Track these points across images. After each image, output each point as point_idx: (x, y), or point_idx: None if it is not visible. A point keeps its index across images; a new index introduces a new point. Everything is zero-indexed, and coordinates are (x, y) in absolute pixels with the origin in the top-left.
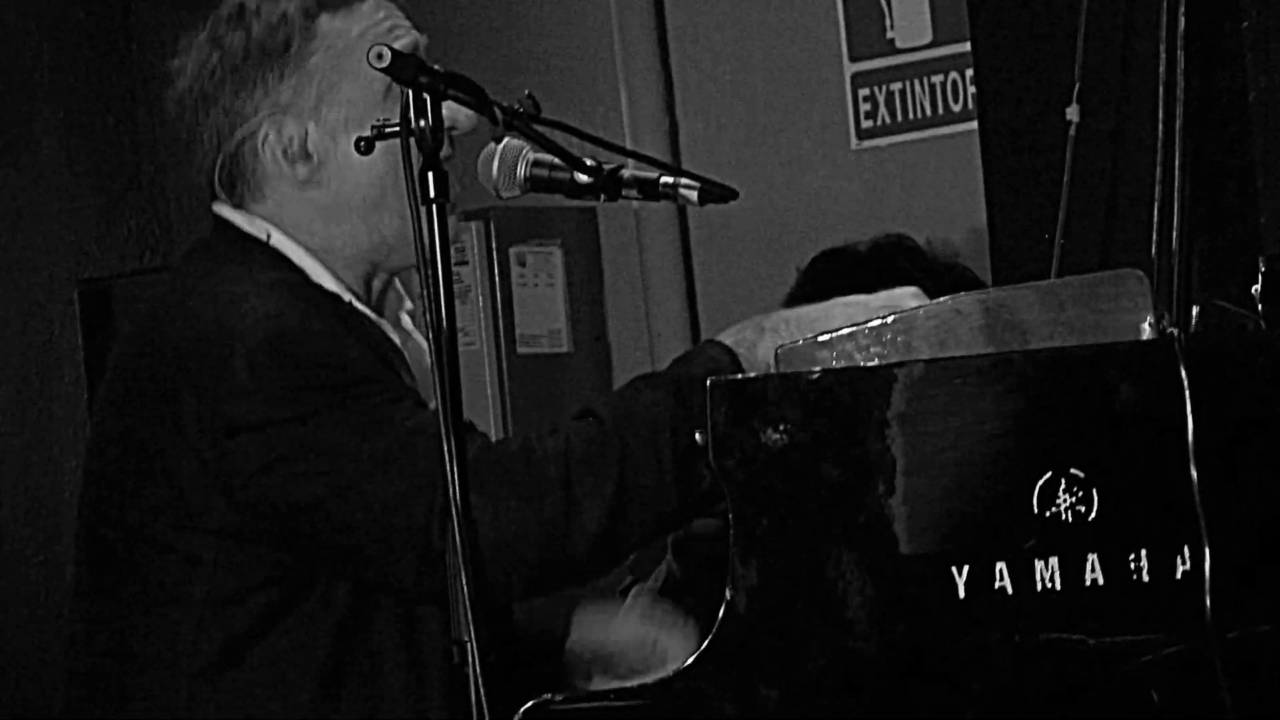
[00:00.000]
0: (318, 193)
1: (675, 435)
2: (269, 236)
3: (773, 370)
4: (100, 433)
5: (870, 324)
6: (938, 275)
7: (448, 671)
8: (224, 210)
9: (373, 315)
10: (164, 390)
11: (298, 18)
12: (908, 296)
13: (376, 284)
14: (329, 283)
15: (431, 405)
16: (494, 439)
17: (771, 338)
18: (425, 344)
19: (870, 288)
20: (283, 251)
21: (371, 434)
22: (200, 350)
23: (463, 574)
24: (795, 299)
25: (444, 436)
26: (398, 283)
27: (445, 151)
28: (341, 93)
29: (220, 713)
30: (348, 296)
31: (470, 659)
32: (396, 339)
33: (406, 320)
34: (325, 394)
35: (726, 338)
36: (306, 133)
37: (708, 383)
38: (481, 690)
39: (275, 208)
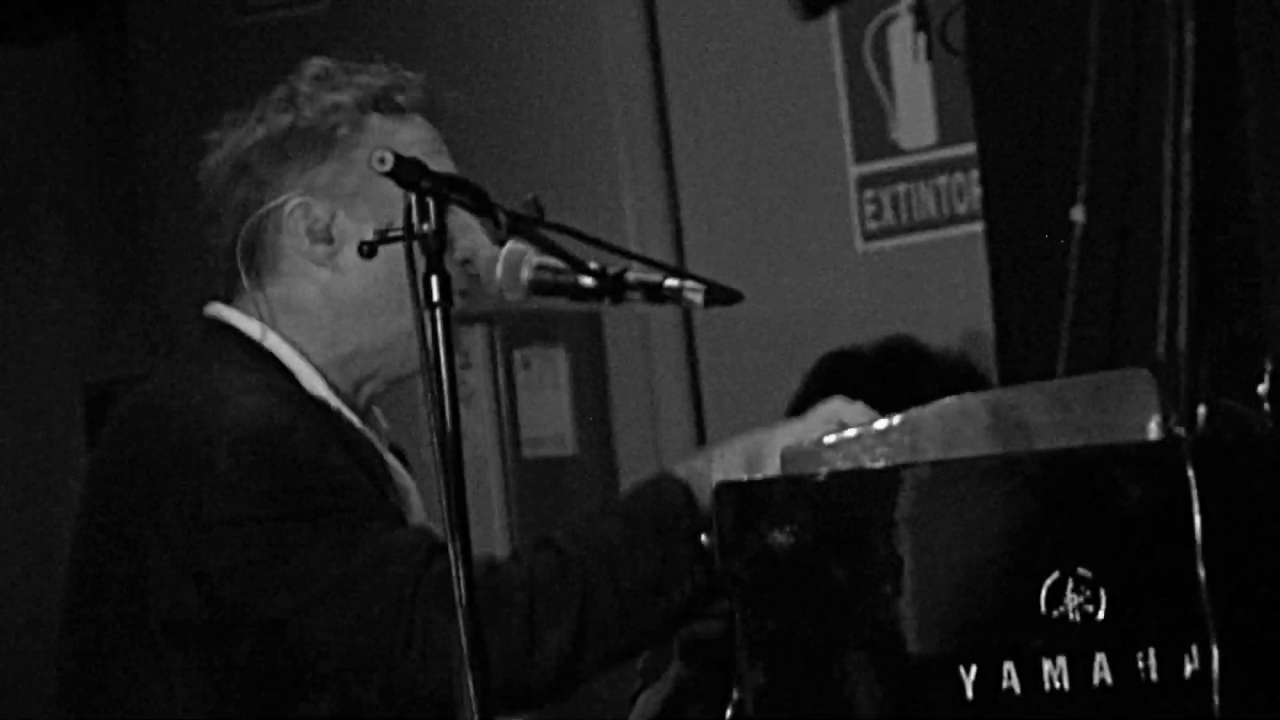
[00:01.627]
0: (330, 277)
1: (632, 565)
2: (264, 335)
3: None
4: (79, 539)
5: (877, 424)
6: (945, 376)
7: None
8: (219, 311)
9: (359, 423)
10: (145, 488)
11: (351, 108)
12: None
13: (366, 391)
14: (319, 388)
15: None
16: (498, 547)
17: (719, 465)
18: (401, 469)
19: (875, 390)
20: (275, 353)
21: (343, 551)
22: (184, 449)
23: (469, 678)
24: (801, 401)
25: (449, 542)
26: (378, 414)
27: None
28: (377, 189)
29: None
30: (335, 403)
31: None
32: (381, 450)
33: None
34: (304, 498)
35: (679, 470)
36: (334, 217)
37: (715, 485)
38: None
39: (286, 288)
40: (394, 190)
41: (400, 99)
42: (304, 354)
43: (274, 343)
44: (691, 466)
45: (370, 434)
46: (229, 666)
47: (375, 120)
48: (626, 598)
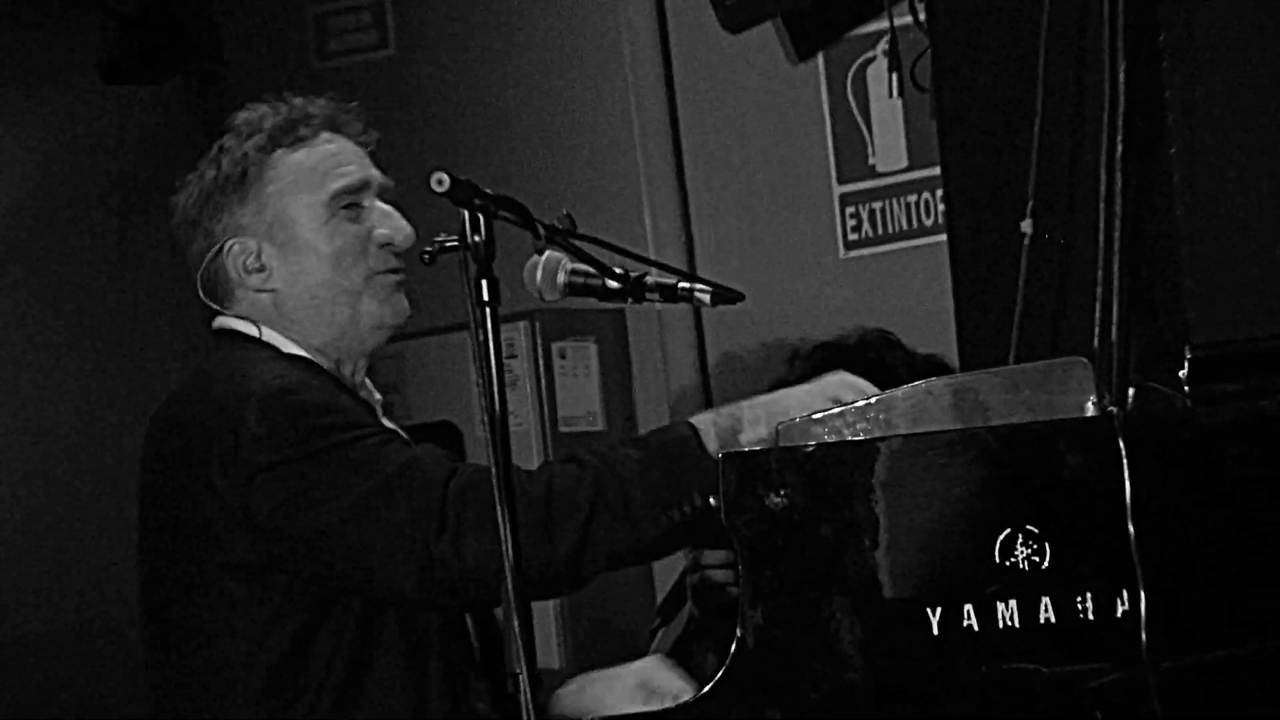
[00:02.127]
0: (274, 296)
1: (640, 481)
2: (260, 332)
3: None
4: (144, 509)
5: (856, 404)
6: (915, 363)
7: (449, 693)
8: (223, 320)
9: (343, 378)
10: (195, 458)
11: (254, 154)
12: (838, 383)
13: (346, 370)
14: (304, 354)
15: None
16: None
17: (748, 414)
18: (400, 433)
19: (857, 373)
20: (273, 343)
21: (369, 468)
22: (218, 416)
23: (515, 618)
24: (796, 381)
25: (498, 503)
26: (370, 385)
27: (392, 264)
28: (289, 214)
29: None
30: (323, 364)
31: (522, 687)
32: (366, 396)
33: (378, 405)
34: (327, 436)
35: (697, 418)
36: (260, 249)
37: (720, 455)
38: (532, 711)
39: (247, 309)
40: (303, 209)
41: (303, 130)
42: (292, 341)
43: (269, 335)
44: (703, 417)
45: (369, 400)
46: (280, 592)
47: (279, 155)
48: (632, 506)
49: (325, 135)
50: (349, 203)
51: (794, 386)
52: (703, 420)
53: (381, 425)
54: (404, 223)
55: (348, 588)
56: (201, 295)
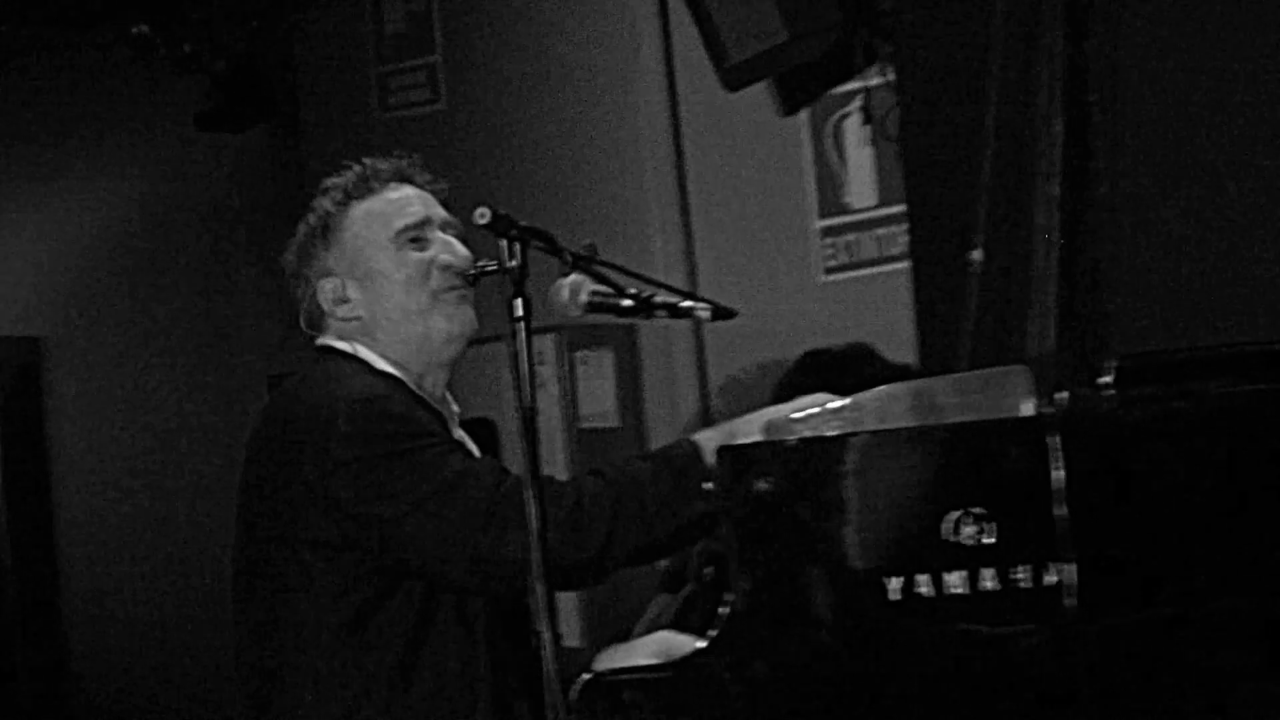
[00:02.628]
0: (360, 323)
1: (654, 489)
2: (355, 350)
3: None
4: (246, 484)
5: (831, 405)
6: (881, 370)
7: (492, 655)
8: (323, 339)
9: (421, 393)
10: (289, 446)
11: (334, 208)
12: (818, 399)
13: (429, 382)
14: (393, 370)
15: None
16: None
17: (742, 428)
18: (469, 442)
19: (832, 379)
20: (366, 360)
21: (434, 472)
22: (313, 415)
23: (539, 584)
24: (784, 384)
25: (528, 486)
26: (450, 399)
27: (454, 282)
28: (365, 252)
29: (343, 670)
30: (407, 380)
31: (544, 644)
32: (442, 410)
33: (456, 417)
34: (401, 441)
35: (699, 435)
36: (344, 285)
37: (717, 448)
38: (552, 665)
39: (334, 337)
40: (376, 249)
41: (373, 183)
42: (383, 357)
43: (364, 353)
44: (709, 434)
45: (444, 412)
46: (353, 566)
47: (354, 207)
48: (648, 509)
49: (393, 185)
50: (414, 236)
51: (780, 406)
52: (703, 436)
53: (448, 436)
54: (462, 248)
55: (408, 570)
56: (304, 328)
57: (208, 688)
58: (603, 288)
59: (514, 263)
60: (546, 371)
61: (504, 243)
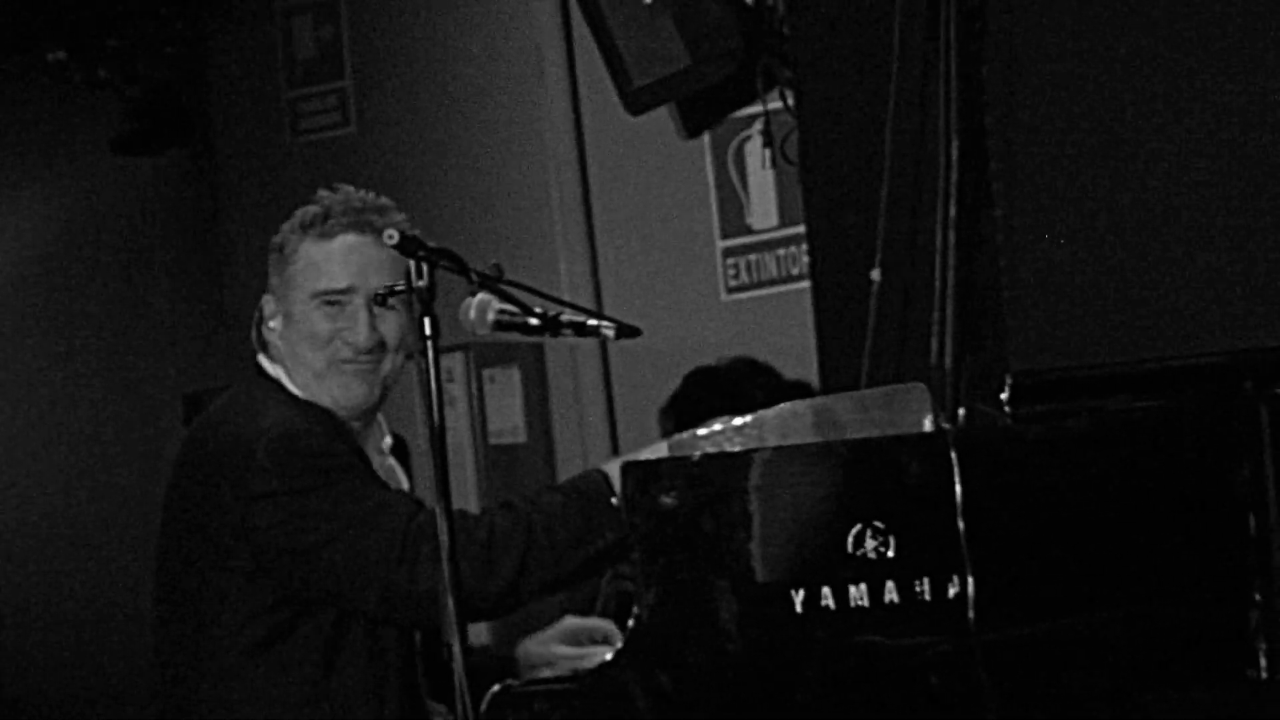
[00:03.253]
0: (284, 348)
1: (564, 522)
2: (280, 378)
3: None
4: (168, 507)
5: (734, 422)
6: (782, 388)
7: (404, 675)
8: (260, 359)
9: (345, 422)
10: (209, 475)
11: (290, 237)
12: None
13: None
14: (317, 401)
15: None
16: (471, 502)
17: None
18: (398, 469)
19: (727, 395)
20: (283, 383)
21: (349, 505)
22: (233, 446)
23: (450, 596)
24: (674, 402)
25: (438, 497)
26: (381, 421)
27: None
28: (291, 296)
29: (254, 689)
30: (331, 409)
31: (455, 656)
32: (374, 461)
33: (386, 443)
34: (319, 475)
35: (603, 465)
36: (278, 310)
37: (621, 463)
38: (464, 678)
39: (275, 351)
40: (296, 292)
41: (330, 223)
42: (304, 390)
43: (287, 382)
44: (612, 464)
45: (367, 443)
46: (269, 591)
47: (306, 243)
48: (559, 543)
49: (347, 235)
50: (330, 300)
51: (682, 434)
52: (611, 467)
53: (364, 469)
54: (367, 328)
55: (322, 599)
56: (254, 340)
57: (124, 702)
58: (510, 307)
59: (422, 282)
60: (455, 389)
61: (412, 263)
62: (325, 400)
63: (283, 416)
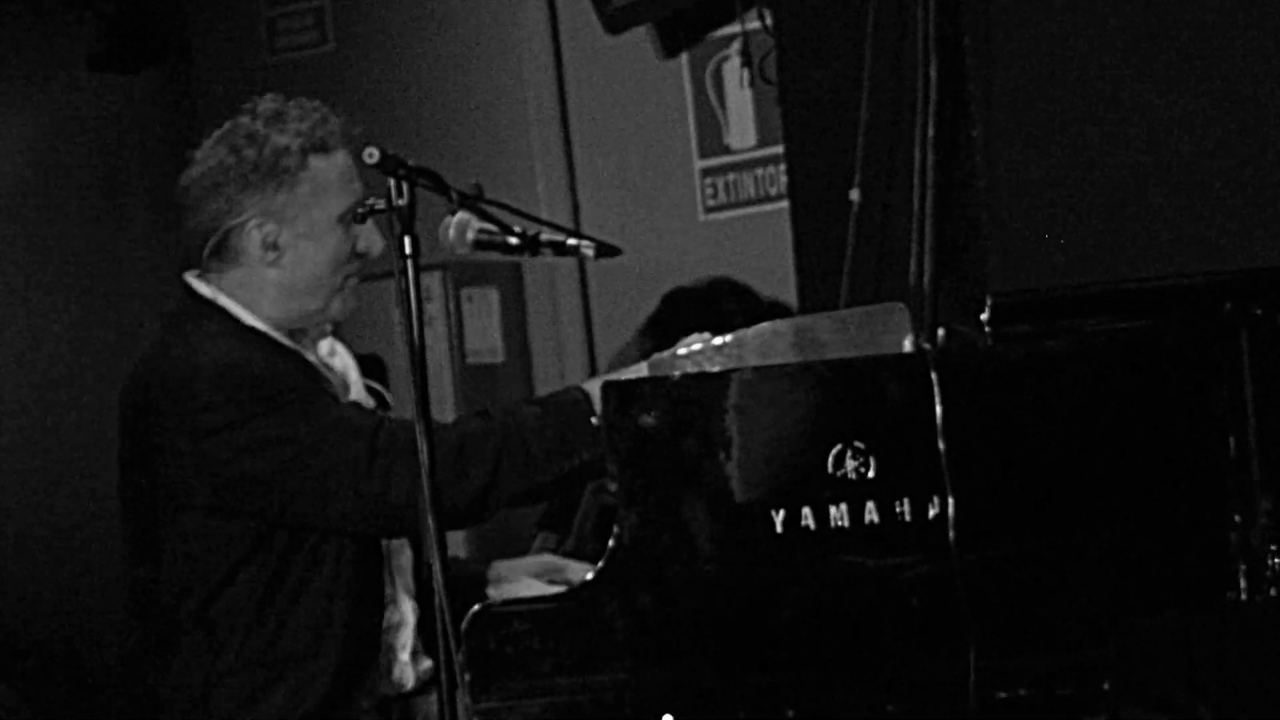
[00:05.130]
0: (275, 273)
1: (539, 433)
2: (216, 299)
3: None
4: (120, 455)
5: (714, 342)
6: (762, 307)
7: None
8: (190, 279)
9: (290, 344)
10: (157, 419)
11: (298, 153)
12: (695, 340)
13: (310, 335)
14: (260, 326)
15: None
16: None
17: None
18: (351, 361)
19: (706, 315)
20: (227, 309)
21: (304, 424)
22: (176, 384)
23: (430, 515)
24: (652, 323)
25: (417, 415)
26: (344, 350)
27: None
28: (313, 213)
29: (211, 623)
30: (274, 334)
31: (435, 576)
32: (313, 359)
33: (324, 345)
34: (267, 402)
35: (587, 384)
36: (280, 233)
37: (602, 383)
38: (444, 597)
39: (243, 276)
40: (324, 212)
41: (330, 140)
42: (252, 311)
43: (225, 301)
44: (592, 382)
45: (302, 351)
46: (224, 530)
47: (314, 160)
48: (533, 455)
49: (342, 151)
50: (354, 216)
51: (662, 353)
52: (592, 385)
53: (312, 385)
54: (380, 239)
55: (294, 522)
56: (199, 253)
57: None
58: (489, 226)
59: (402, 201)
60: (433, 308)
61: (392, 182)
62: (325, 316)
63: (220, 349)
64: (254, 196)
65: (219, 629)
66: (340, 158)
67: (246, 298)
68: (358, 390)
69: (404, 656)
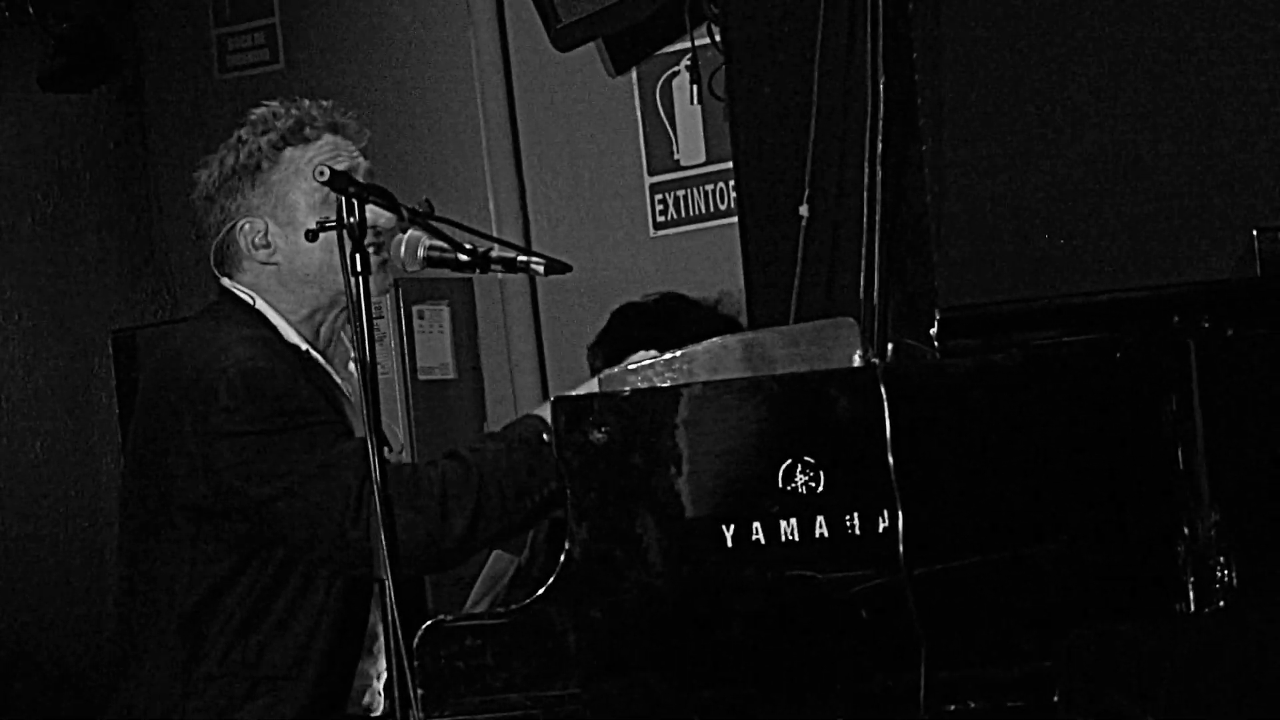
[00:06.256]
0: (275, 269)
1: (511, 471)
2: (254, 301)
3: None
4: (133, 440)
5: (664, 357)
6: (710, 323)
7: (342, 612)
8: (226, 281)
9: (322, 361)
10: (172, 410)
11: (267, 148)
12: (644, 355)
13: (324, 333)
14: (293, 336)
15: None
16: (399, 451)
17: None
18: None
19: (655, 330)
20: (263, 313)
21: (306, 456)
22: (197, 382)
23: (383, 534)
24: (602, 338)
25: (367, 434)
26: (345, 338)
27: (378, 241)
28: (291, 199)
29: (197, 626)
30: (305, 346)
31: (387, 592)
32: (339, 379)
33: (352, 366)
34: (279, 418)
35: (540, 411)
36: (267, 228)
37: (552, 399)
38: (395, 614)
39: (251, 279)
40: (302, 196)
41: (307, 131)
42: (281, 314)
43: (261, 305)
44: (544, 409)
45: (328, 366)
46: (219, 536)
47: (288, 152)
48: (507, 493)
49: (327, 136)
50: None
51: (612, 369)
52: (545, 410)
53: (326, 410)
54: (383, 211)
55: (277, 545)
56: (211, 262)
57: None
58: (440, 243)
59: (353, 219)
60: (385, 325)
61: (343, 199)
62: (328, 304)
63: (246, 354)
64: (235, 199)
65: (204, 637)
66: (323, 143)
67: (273, 301)
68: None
69: (377, 684)
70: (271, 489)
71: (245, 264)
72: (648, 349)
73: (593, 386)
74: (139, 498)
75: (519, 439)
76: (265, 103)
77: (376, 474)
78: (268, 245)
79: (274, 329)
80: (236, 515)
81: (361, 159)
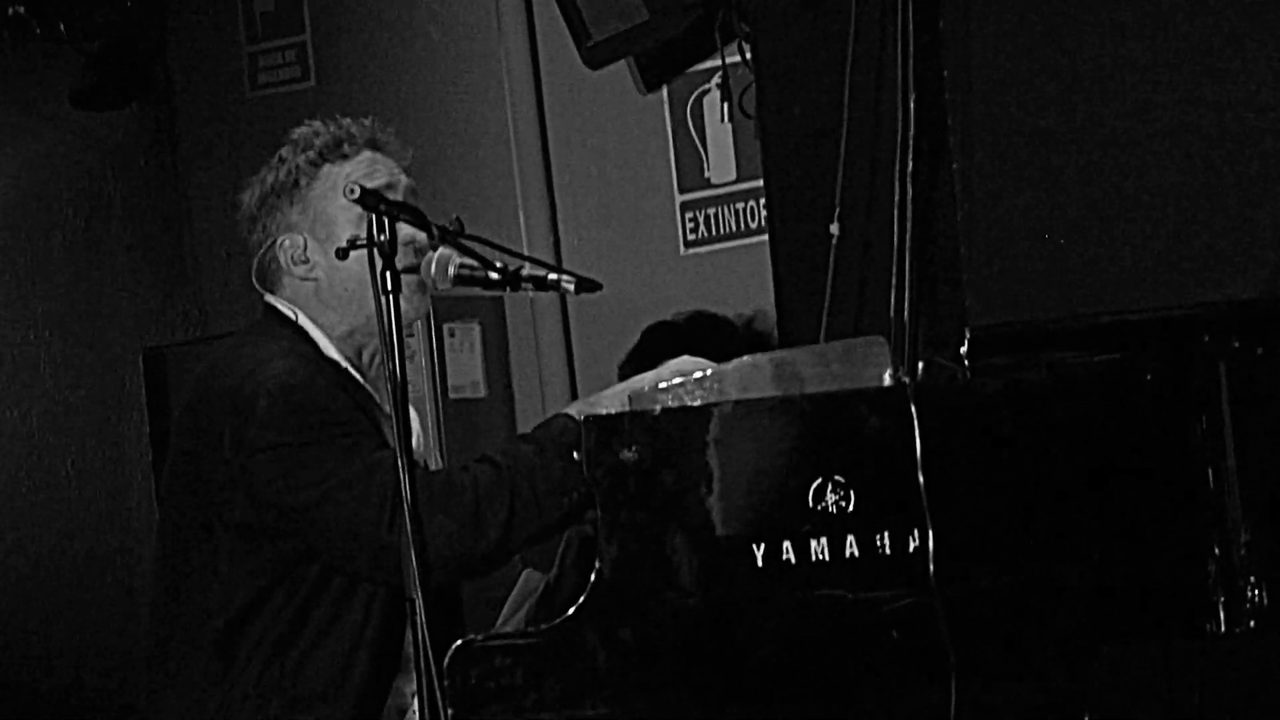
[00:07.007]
0: (314, 285)
1: (545, 474)
2: (296, 317)
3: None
4: (172, 456)
5: (695, 376)
6: (741, 341)
7: (381, 630)
8: (269, 298)
9: (360, 379)
10: (211, 426)
11: (306, 165)
12: (678, 363)
13: (366, 356)
14: (332, 352)
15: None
16: (432, 459)
17: (606, 403)
18: (414, 413)
19: (686, 349)
20: (305, 329)
21: (343, 465)
22: (237, 395)
23: (412, 550)
24: (633, 357)
25: (397, 448)
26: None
27: (412, 261)
28: (329, 214)
29: (230, 644)
30: (345, 364)
31: (418, 610)
32: (378, 399)
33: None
34: (317, 430)
35: (570, 409)
36: (306, 245)
37: (583, 418)
38: (425, 633)
39: (291, 294)
40: (340, 212)
41: (346, 147)
42: (322, 329)
43: (304, 321)
44: (578, 408)
45: (370, 388)
46: (258, 551)
47: (326, 168)
48: (540, 496)
49: (365, 153)
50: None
51: (644, 374)
52: (574, 410)
53: (364, 424)
54: (418, 230)
55: (315, 557)
56: (254, 279)
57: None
58: (470, 261)
59: (384, 237)
60: (415, 343)
61: (373, 217)
62: (367, 324)
63: (286, 368)
64: (276, 217)
65: (237, 657)
66: (361, 159)
67: (315, 317)
68: (418, 440)
69: (414, 704)
70: (308, 496)
71: (285, 280)
72: (688, 358)
73: (621, 397)
74: (177, 513)
75: (550, 440)
76: (307, 121)
77: (406, 490)
78: (306, 261)
79: (314, 344)
80: (277, 530)
81: (403, 176)
